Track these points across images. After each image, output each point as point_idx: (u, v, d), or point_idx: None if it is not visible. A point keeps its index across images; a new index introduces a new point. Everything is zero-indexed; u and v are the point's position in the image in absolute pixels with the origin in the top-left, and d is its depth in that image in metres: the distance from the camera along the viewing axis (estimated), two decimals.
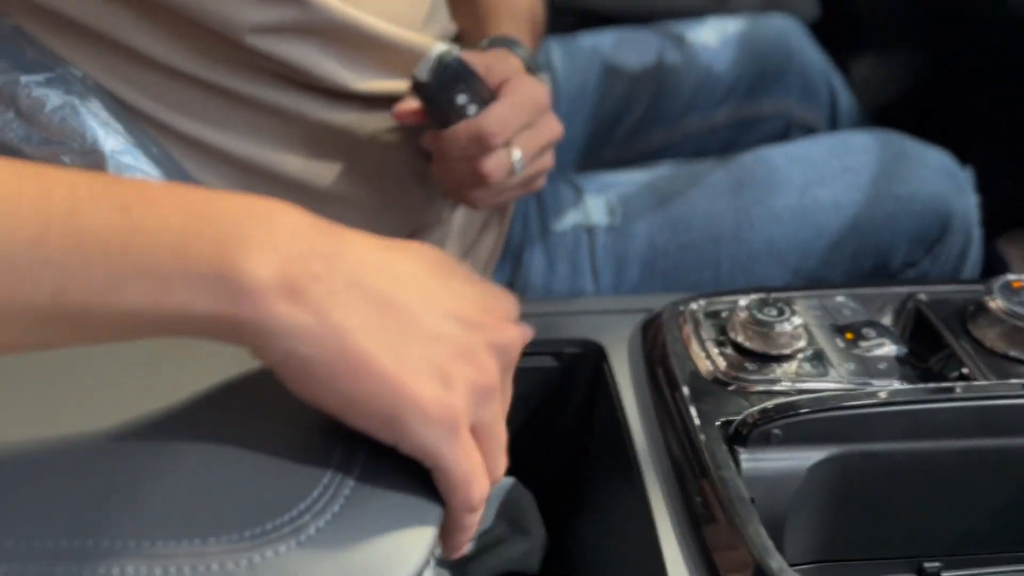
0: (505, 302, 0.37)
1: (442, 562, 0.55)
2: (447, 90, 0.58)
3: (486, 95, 0.59)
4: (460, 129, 0.58)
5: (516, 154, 0.60)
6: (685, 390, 0.48)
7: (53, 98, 0.53)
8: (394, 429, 0.33)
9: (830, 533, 0.46)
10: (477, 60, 0.61)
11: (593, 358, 0.55)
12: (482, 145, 0.58)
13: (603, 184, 0.77)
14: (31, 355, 0.40)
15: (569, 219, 0.74)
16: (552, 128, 0.63)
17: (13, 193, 0.29)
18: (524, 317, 0.56)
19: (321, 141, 0.62)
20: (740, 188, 0.73)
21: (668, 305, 0.55)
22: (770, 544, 0.38)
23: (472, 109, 0.58)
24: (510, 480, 0.56)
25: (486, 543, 0.57)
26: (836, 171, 0.74)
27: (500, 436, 0.36)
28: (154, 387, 0.40)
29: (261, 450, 0.36)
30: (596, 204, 0.75)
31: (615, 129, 0.92)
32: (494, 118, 0.58)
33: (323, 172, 0.63)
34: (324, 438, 0.37)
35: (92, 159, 0.53)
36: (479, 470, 0.34)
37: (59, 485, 0.35)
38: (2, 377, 0.40)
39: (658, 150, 0.93)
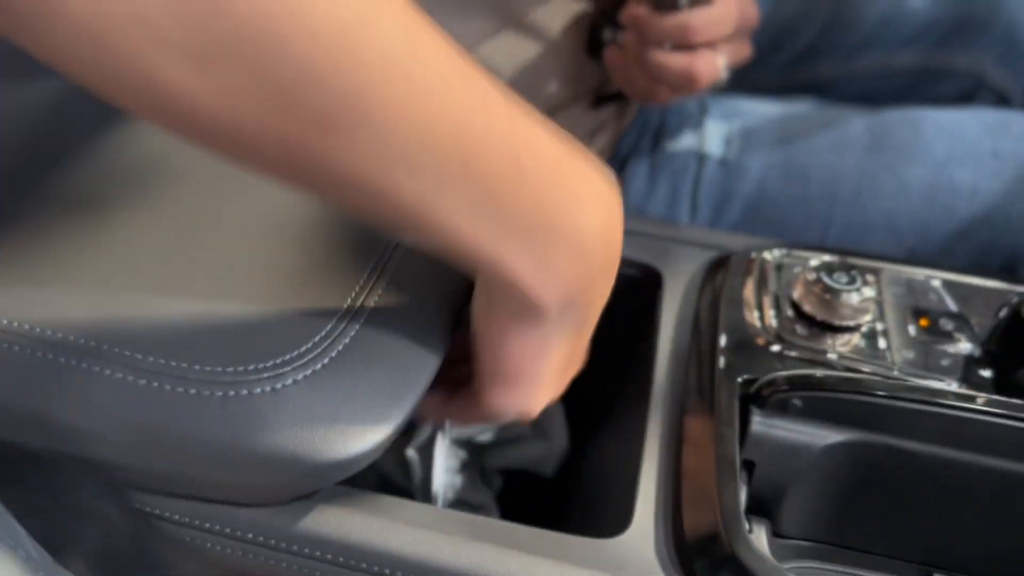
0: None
1: (460, 443, 0.56)
2: None
3: None
4: (669, 18, 0.59)
5: (722, 61, 0.60)
6: (723, 338, 0.45)
7: None
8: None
9: (834, 516, 0.43)
10: None
11: (649, 285, 0.53)
12: (682, 39, 0.59)
13: (731, 110, 0.73)
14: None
15: (684, 141, 0.71)
16: (746, 50, 0.64)
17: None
18: None
19: None
20: (875, 148, 0.67)
21: (742, 248, 0.52)
22: (741, 514, 0.37)
23: (684, 2, 0.59)
24: None
25: (506, 437, 0.57)
26: (985, 153, 0.66)
27: None
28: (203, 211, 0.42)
29: (275, 290, 0.37)
30: (715, 131, 0.71)
31: (775, 55, 0.85)
32: (703, 17, 0.59)
33: None
34: (337, 295, 0.37)
35: None
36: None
37: (88, 287, 0.37)
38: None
39: (820, 86, 0.85)
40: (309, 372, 0.34)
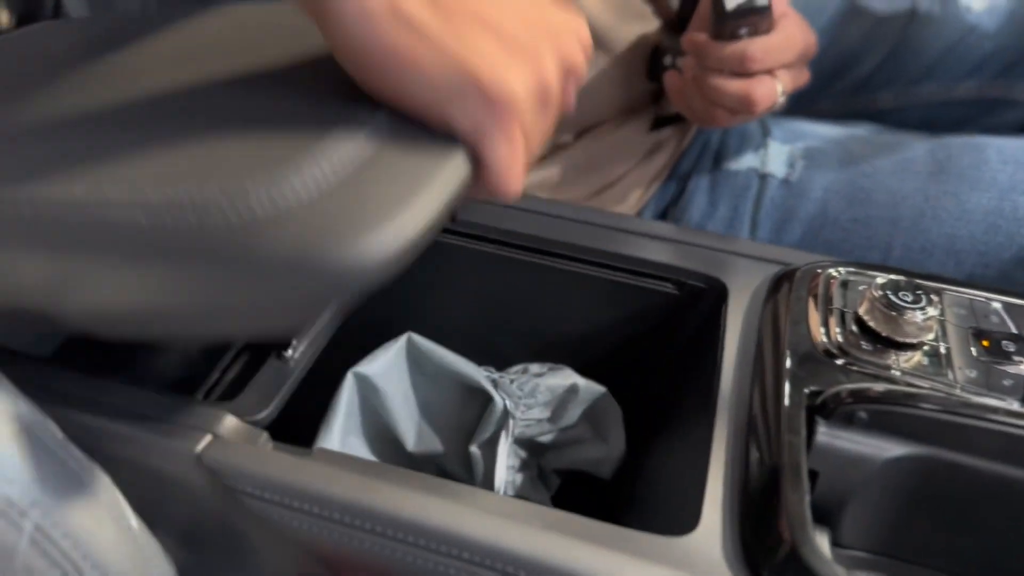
0: (579, 24, 0.39)
1: (521, 443, 0.58)
2: (738, 16, 0.61)
3: (764, 27, 0.61)
4: (729, 46, 0.61)
5: (780, 87, 0.62)
6: (788, 351, 0.47)
7: None
8: (449, 105, 0.33)
9: (893, 529, 0.44)
10: None
11: (714, 297, 0.54)
12: (741, 67, 0.61)
13: (793, 132, 0.74)
14: None
15: (746, 160, 0.72)
16: (804, 76, 0.65)
17: None
18: (659, 240, 0.57)
19: None
20: (937, 173, 0.68)
21: (807, 264, 0.53)
22: (808, 518, 0.38)
23: (744, 31, 0.61)
24: (601, 389, 0.57)
25: (565, 439, 0.59)
26: None
27: (535, 148, 0.36)
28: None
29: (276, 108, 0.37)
30: (778, 152, 0.72)
31: (837, 81, 0.87)
32: (762, 46, 0.61)
33: None
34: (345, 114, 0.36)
35: None
36: (518, 166, 0.35)
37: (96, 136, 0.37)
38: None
39: (879, 114, 0.86)
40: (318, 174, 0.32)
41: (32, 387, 0.38)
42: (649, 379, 0.60)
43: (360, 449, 0.58)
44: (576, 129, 0.71)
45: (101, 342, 0.52)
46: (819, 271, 0.52)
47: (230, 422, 0.42)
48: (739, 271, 0.54)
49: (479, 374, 0.57)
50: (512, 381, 0.58)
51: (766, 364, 0.47)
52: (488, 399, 0.57)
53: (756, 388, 0.46)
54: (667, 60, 0.70)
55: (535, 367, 0.59)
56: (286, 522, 0.40)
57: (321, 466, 0.40)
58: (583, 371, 0.59)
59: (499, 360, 0.60)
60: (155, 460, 0.42)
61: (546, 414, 0.58)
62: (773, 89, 0.62)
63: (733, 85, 0.61)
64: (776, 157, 0.72)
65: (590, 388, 0.57)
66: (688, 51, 0.65)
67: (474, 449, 0.57)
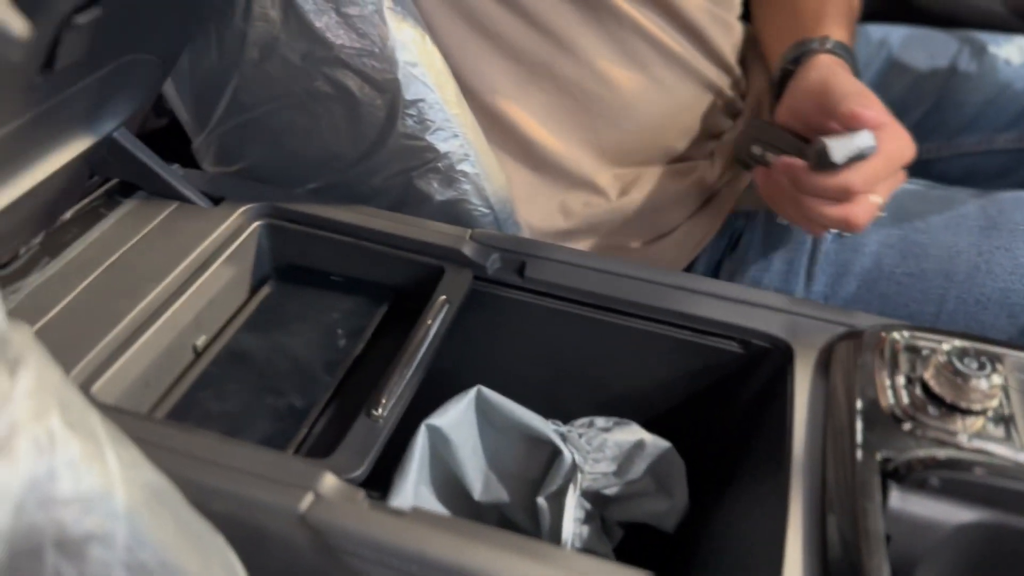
0: None
1: (586, 495, 0.60)
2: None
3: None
4: (829, 178, 0.58)
5: (878, 200, 0.61)
6: (859, 416, 0.48)
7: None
8: None
9: None
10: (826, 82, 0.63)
11: (779, 357, 0.56)
12: (843, 198, 0.59)
13: None
14: None
15: None
16: (900, 179, 0.63)
17: None
18: (724, 299, 0.59)
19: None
20: (990, 228, 0.70)
21: (871, 327, 0.55)
22: None
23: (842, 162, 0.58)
24: (667, 445, 0.59)
25: (630, 491, 0.60)
26: None
27: None
28: None
29: None
30: None
31: None
32: (865, 175, 0.58)
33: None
34: None
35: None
36: None
37: None
38: None
39: (923, 165, 0.88)
40: None
41: (139, 444, 0.41)
42: (712, 434, 0.62)
43: (429, 498, 0.60)
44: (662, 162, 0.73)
45: (196, 395, 0.55)
46: (884, 334, 0.54)
47: (329, 480, 0.45)
48: (804, 332, 0.56)
49: (547, 427, 0.59)
50: (580, 435, 0.60)
51: (838, 429, 0.49)
52: (554, 451, 0.59)
53: (830, 453, 0.48)
54: (756, 149, 0.68)
55: (601, 421, 0.61)
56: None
57: (419, 526, 0.42)
58: (646, 424, 0.60)
59: (564, 413, 0.62)
60: (258, 517, 0.44)
61: (612, 468, 0.59)
62: (873, 208, 0.60)
63: (834, 211, 0.60)
64: None
65: (656, 444, 0.59)
66: (783, 174, 0.61)
67: (541, 501, 0.59)
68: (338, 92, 0.61)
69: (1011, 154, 0.87)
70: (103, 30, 0.46)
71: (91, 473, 0.30)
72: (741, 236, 0.75)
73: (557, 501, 0.59)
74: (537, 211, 0.74)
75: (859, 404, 0.49)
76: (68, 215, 0.62)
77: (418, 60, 0.61)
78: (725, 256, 0.76)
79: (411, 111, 0.62)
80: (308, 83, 0.61)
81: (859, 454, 0.46)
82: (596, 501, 0.61)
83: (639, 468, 0.60)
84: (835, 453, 0.47)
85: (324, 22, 0.58)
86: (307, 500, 0.43)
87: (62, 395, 0.31)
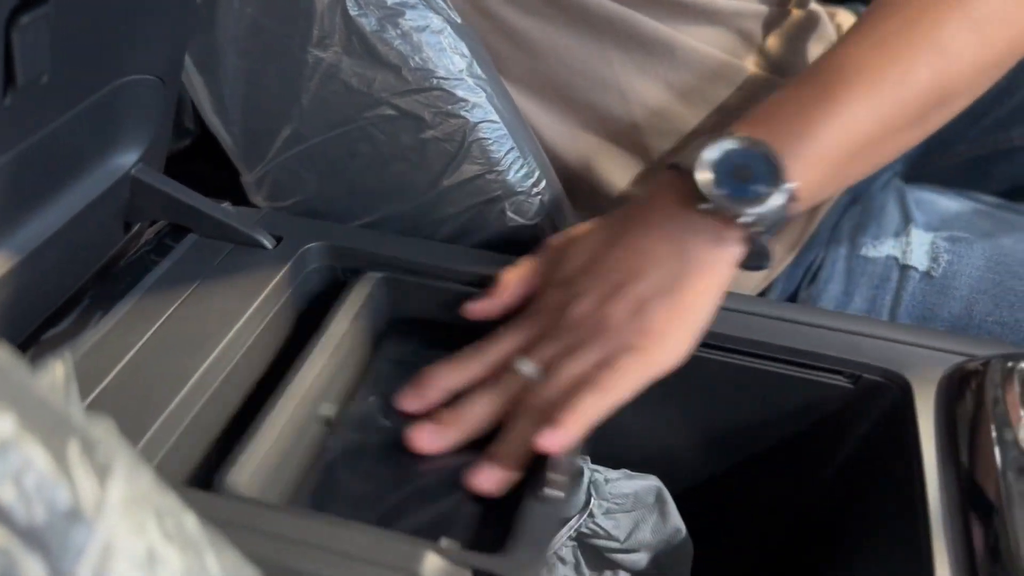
0: None
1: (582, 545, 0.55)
2: None
3: None
4: None
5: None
6: (998, 458, 0.44)
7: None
8: None
9: None
10: None
11: (896, 392, 0.51)
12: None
13: (935, 214, 0.70)
14: None
15: (886, 246, 0.68)
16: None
17: None
18: (821, 329, 0.54)
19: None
20: None
21: (996, 357, 0.50)
22: None
23: None
24: (681, 528, 0.55)
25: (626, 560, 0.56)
26: None
27: None
28: None
29: None
30: (921, 242, 0.68)
31: (972, 126, 0.82)
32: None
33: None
34: None
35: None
36: None
37: None
38: None
39: (1014, 152, 0.80)
40: None
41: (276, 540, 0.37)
42: (818, 471, 0.58)
43: None
44: None
45: (335, 476, 0.49)
46: (1011, 364, 0.49)
47: None
48: (918, 363, 0.52)
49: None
50: (606, 481, 0.55)
51: (977, 466, 0.44)
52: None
53: (967, 499, 0.43)
54: None
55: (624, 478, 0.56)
56: None
57: None
58: (745, 463, 0.56)
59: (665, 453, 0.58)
60: None
61: (620, 535, 0.55)
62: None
63: None
64: (919, 247, 0.67)
65: (672, 519, 0.55)
66: None
67: None
68: (405, 119, 0.58)
69: None
70: (70, 41, 0.40)
71: None
72: (820, 268, 0.70)
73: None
74: None
75: (997, 441, 0.45)
76: (122, 263, 0.59)
77: (488, 87, 0.57)
78: (801, 288, 0.71)
79: (483, 137, 0.58)
80: (373, 110, 0.58)
81: (1006, 500, 0.42)
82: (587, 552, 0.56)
83: (644, 536, 0.55)
84: (976, 501, 0.43)
85: (388, 45, 0.55)
86: None
87: (156, 501, 0.27)
